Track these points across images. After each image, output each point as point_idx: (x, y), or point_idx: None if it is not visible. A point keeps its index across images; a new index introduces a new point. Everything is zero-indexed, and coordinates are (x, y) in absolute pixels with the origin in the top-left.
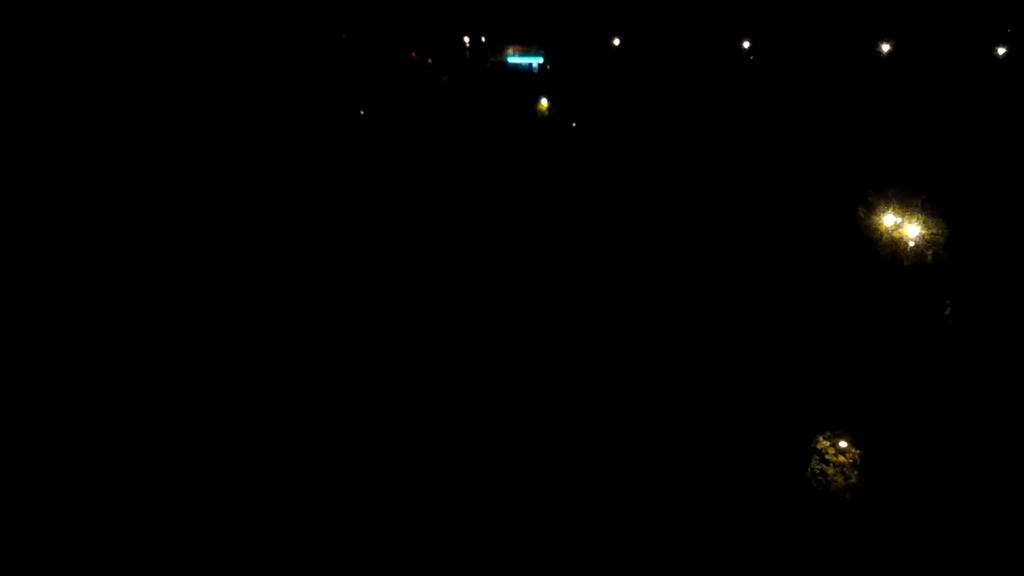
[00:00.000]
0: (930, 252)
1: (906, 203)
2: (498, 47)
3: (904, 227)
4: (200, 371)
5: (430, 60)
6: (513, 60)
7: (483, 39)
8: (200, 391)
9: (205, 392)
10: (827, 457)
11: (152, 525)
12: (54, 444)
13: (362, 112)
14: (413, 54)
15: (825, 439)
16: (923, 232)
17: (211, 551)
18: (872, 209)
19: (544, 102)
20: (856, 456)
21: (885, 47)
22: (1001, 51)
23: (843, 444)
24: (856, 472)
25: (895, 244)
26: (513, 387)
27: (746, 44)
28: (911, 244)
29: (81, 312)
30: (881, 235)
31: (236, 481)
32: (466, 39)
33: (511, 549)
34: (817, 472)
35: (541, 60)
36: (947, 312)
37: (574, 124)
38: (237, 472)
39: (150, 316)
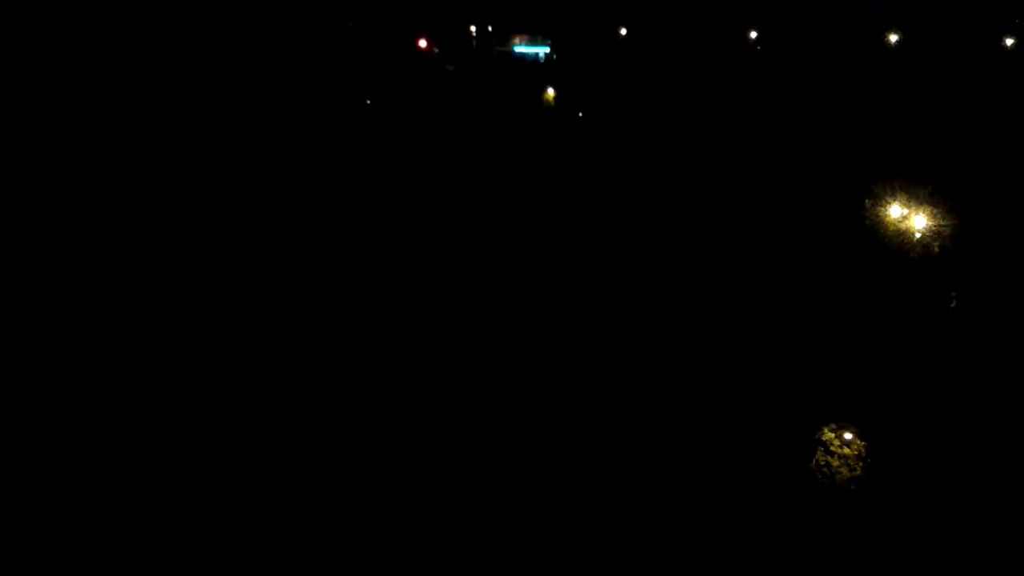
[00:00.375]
0: (937, 244)
1: (913, 194)
2: (505, 37)
3: (911, 219)
4: (199, 369)
5: (436, 49)
6: (520, 50)
7: (489, 28)
8: (199, 390)
9: (204, 391)
10: (832, 449)
11: (152, 525)
12: (53, 444)
13: (368, 101)
14: (419, 43)
15: (830, 431)
16: (930, 224)
17: (211, 551)
18: (878, 200)
19: (551, 92)
20: (862, 448)
21: (893, 37)
22: (1009, 42)
23: (848, 436)
24: (861, 464)
25: (901, 236)
26: (517, 376)
27: (753, 34)
28: (917, 236)
29: (80, 311)
30: (887, 227)
31: (235, 481)
32: (472, 28)
33: (512, 539)
34: (822, 464)
35: (548, 50)
36: (953, 304)
37: (580, 114)
38: (236, 472)
39: (149, 313)
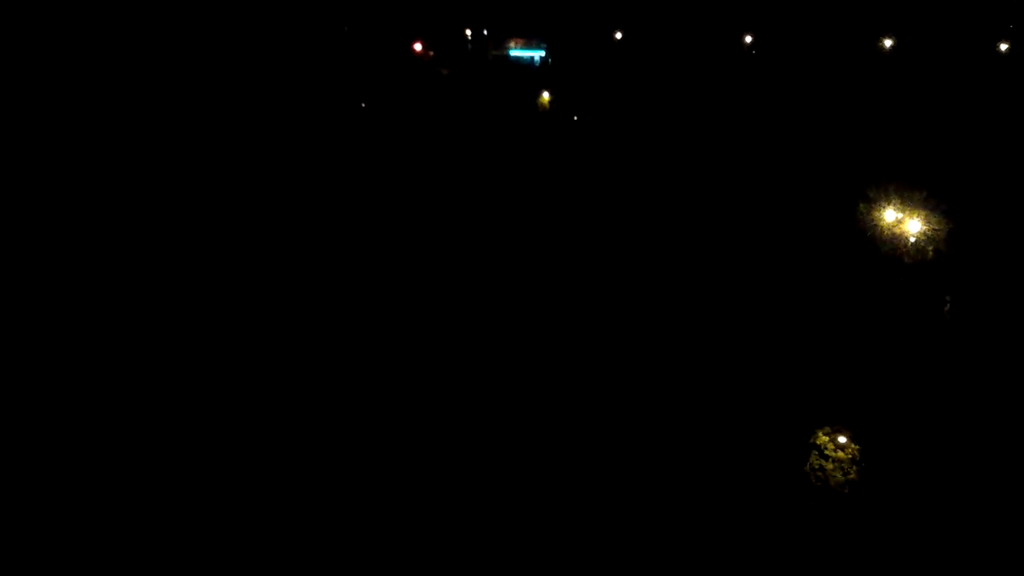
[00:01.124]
0: (931, 248)
1: (907, 199)
2: (500, 40)
3: (905, 223)
4: (199, 371)
5: (431, 53)
6: (515, 53)
7: (485, 32)
8: (199, 391)
9: (204, 392)
10: (826, 452)
11: (152, 525)
12: (54, 444)
13: (363, 105)
14: (414, 47)
15: (824, 434)
16: (924, 228)
17: (211, 551)
18: (873, 205)
19: (546, 95)
20: (855, 451)
21: (887, 42)
22: (1003, 47)
23: (842, 439)
24: (855, 467)
25: (896, 240)
26: (514, 385)
27: (748, 39)
28: (912, 240)
29: (81, 312)
30: (882, 231)
31: (236, 481)
32: (468, 32)
33: (512, 543)
34: (816, 467)
35: (543, 54)
36: (947, 308)
37: (575, 118)
38: (237, 472)
39: (149, 316)
